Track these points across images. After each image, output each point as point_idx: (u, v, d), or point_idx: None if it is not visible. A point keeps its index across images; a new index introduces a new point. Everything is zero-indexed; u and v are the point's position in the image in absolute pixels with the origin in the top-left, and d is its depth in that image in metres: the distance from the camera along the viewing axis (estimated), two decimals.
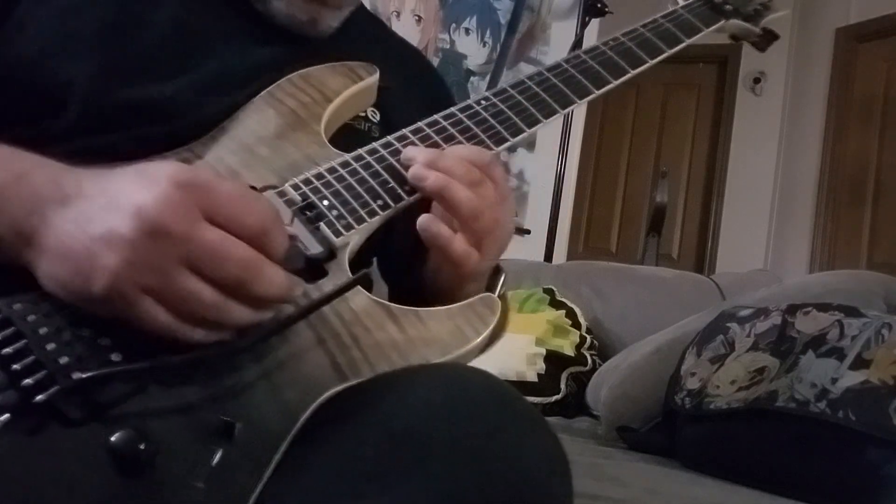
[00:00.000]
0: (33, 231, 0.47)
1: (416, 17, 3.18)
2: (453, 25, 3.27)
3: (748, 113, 4.48)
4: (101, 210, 0.46)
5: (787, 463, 1.07)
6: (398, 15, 3.12)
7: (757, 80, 4.45)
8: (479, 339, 0.56)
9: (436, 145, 0.65)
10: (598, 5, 2.71)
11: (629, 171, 4.76)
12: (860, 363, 1.05)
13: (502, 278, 0.68)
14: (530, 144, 3.37)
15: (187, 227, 0.46)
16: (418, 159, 0.62)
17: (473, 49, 3.29)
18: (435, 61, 3.19)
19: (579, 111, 3.37)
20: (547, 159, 3.26)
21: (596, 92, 0.75)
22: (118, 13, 0.69)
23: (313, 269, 0.56)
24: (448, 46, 3.25)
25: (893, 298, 1.39)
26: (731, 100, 4.55)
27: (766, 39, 0.96)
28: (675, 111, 4.71)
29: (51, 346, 0.46)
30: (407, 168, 0.62)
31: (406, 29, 3.09)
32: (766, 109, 4.43)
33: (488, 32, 3.33)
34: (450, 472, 0.43)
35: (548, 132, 3.31)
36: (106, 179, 0.48)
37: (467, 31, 3.29)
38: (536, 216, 3.29)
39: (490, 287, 0.66)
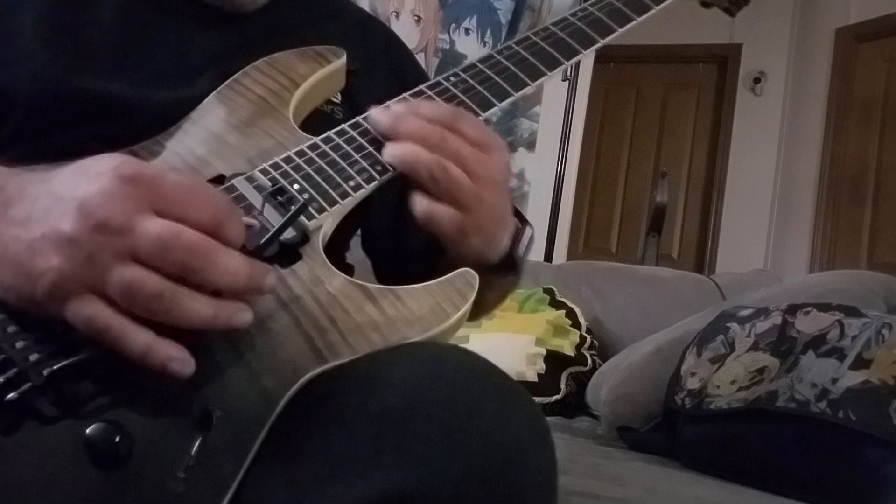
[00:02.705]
0: None
1: (416, 18, 3.17)
2: (453, 25, 3.26)
3: (748, 113, 4.48)
4: (44, 210, 0.45)
5: (787, 463, 1.07)
6: (397, 15, 3.12)
7: (757, 80, 4.45)
8: (458, 315, 0.56)
9: None
10: None
11: (629, 171, 4.76)
12: (860, 363, 1.05)
13: (527, 235, 0.67)
14: (530, 144, 3.37)
15: (131, 218, 0.44)
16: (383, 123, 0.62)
17: (474, 49, 3.28)
18: (435, 61, 3.19)
19: (580, 111, 3.36)
20: (547, 159, 3.26)
21: (563, 63, 0.74)
22: (58, 9, 0.68)
23: (287, 253, 0.56)
24: (448, 46, 3.24)
25: (893, 298, 1.39)
26: (731, 100, 4.55)
27: (737, 4, 0.95)
28: (675, 111, 4.71)
29: (20, 344, 0.45)
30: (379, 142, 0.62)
31: (405, 29, 3.09)
32: (766, 109, 4.42)
33: (489, 32, 3.33)
34: (431, 452, 0.42)
35: (548, 132, 3.31)
36: (48, 179, 0.47)
37: (467, 31, 3.29)
38: (536, 216, 3.29)
39: (514, 242, 0.66)
